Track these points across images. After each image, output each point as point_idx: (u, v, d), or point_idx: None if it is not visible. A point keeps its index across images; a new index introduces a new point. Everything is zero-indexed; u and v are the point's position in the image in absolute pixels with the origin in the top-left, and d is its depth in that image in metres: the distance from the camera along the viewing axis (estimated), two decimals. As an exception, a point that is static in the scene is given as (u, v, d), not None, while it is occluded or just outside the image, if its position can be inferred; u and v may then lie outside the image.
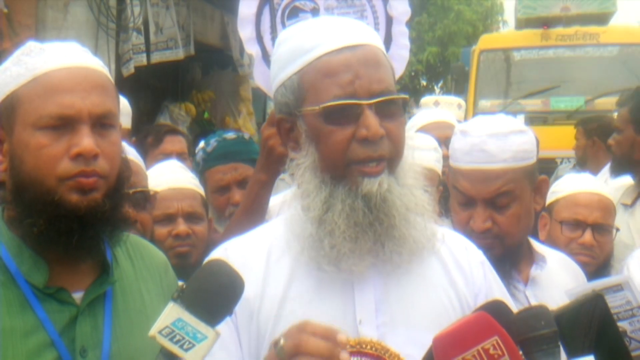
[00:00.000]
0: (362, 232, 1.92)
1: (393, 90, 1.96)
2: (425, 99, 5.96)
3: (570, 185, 3.49)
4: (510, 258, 2.68)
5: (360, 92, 1.91)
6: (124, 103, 4.13)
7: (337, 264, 1.94)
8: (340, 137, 1.92)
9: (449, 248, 2.08)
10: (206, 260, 1.95)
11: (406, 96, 1.99)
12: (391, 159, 1.94)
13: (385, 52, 2.04)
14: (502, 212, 2.64)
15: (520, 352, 1.75)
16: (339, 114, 1.91)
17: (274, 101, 2.08)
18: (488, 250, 2.49)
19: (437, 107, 5.96)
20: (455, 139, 2.78)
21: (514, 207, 2.65)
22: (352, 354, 1.88)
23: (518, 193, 2.65)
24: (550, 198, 3.46)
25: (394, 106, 1.95)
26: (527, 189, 2.68)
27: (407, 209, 1.95)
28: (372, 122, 1.89)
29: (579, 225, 3.36)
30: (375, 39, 2.03)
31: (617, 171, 4.48)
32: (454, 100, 6.60)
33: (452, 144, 2.80)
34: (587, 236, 3.34)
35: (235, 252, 2.04)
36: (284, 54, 2.03)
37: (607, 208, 3.41)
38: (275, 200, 3.55)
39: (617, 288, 2.28)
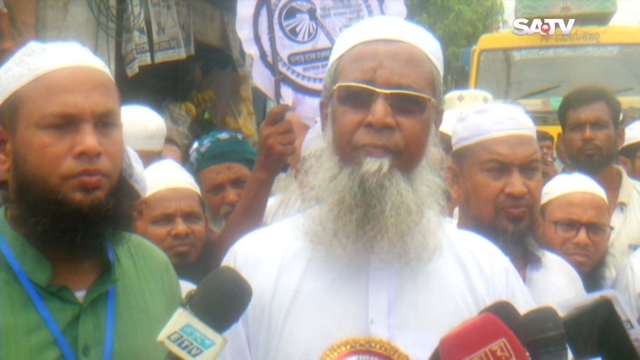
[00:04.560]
0: (346, 211, 1.92)
1: (417, 88, 1.94)
2: (450, 95, 5.63)
3: (563, 185, 3.46)
4: (531, 234, 2.73)
5: (379, 80, 1.92)
6: (160, 125, 4.08)
7: (328, 245, 1.94)
8: (350, 119, 1.94)
9: (471, 252, 2.06)
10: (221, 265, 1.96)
11: (429, 97, 1.96)
12: (399, 154, 1.92)
13: (434, 56, 2.02)
14: (531, 179, 2.71)
15: (528, 354, 1.74)
16: (353, 97, 1.94)
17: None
18: (519, 220, 2.67)
19: (461, 102, 5.68)
20: (471, 119, 2.81)
21: (538, 176, 2.75)
22: (361, 352, 1.90)
23: (539, 164, 2.76)
24: (543, 199, 3.45)
25: (414, 104, 1.94)
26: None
27: (407, 206, 1.91)
28: (379, 109, 1.90)
29: (573, 225, 3.33)
30: (421, 41, 2.01)
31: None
32: (479, 94, 6.14)
33: (468, 122, 2.81)
34: (582, 236, 3.31)
35: (246, 248, 2.05)
36: (335, 46, 2.10)
37: (600, 207, 3.37)
38: (272, 201, 3.55)
39: None
